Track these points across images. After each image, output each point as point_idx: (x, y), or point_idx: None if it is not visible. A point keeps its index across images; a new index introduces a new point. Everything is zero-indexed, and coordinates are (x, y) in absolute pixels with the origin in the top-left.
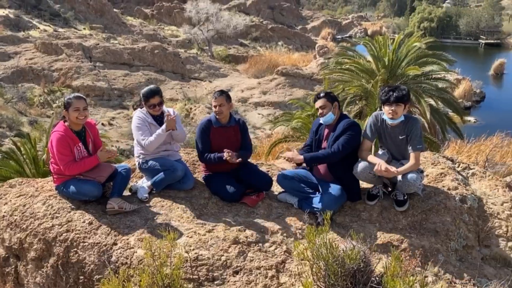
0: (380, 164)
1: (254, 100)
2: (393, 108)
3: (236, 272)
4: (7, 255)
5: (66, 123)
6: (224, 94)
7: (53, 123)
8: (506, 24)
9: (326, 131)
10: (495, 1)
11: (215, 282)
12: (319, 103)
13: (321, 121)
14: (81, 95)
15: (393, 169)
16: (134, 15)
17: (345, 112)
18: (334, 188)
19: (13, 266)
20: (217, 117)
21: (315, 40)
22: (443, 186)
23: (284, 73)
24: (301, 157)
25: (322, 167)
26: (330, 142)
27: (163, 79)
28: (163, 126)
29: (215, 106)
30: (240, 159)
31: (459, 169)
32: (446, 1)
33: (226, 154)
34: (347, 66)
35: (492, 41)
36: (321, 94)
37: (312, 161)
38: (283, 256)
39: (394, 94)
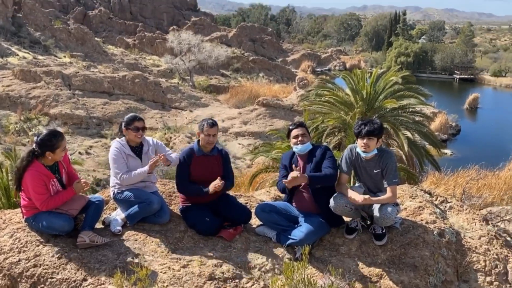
0: (355, 197)
1: (235, 130)
2: (364, 141)
3: None
4: None
5: (39, 160)
6: (216, 125)
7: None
8: (479, 60)
9: (301, 162)
10: (468, 38)
11: None
12: (299, 131)
13: (296, 150)
14: (57, 131)
15: (367, 196)
16: (116, 44)
17: (324, 143)
18: (314, 220)
19: None
20: (203, 145)
21: (295, 72)
22: (421, 220)
23: (264, 103)
24: (306, 176)
25: (308, 198)
26: (311, 168)
27: (143, 108)
28: (146, 168)
29: (207, 135)
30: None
31: (436, 202)
32: (422, 37)
33: (213, 188)
34: (327, 98)
35: (466, 76)
36: (299, 123)
37: (316, 180)
38: None
39: (366, 128)
